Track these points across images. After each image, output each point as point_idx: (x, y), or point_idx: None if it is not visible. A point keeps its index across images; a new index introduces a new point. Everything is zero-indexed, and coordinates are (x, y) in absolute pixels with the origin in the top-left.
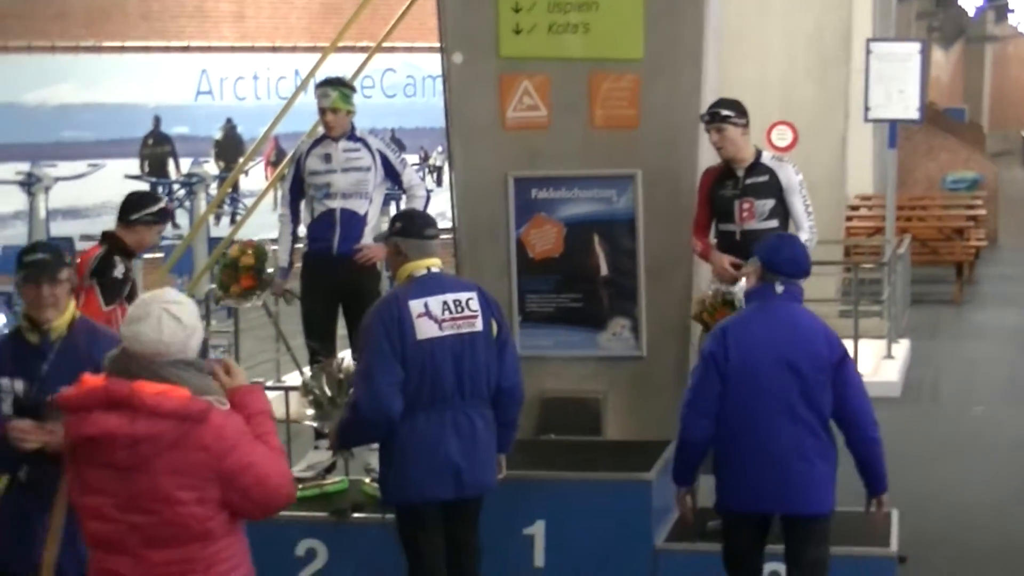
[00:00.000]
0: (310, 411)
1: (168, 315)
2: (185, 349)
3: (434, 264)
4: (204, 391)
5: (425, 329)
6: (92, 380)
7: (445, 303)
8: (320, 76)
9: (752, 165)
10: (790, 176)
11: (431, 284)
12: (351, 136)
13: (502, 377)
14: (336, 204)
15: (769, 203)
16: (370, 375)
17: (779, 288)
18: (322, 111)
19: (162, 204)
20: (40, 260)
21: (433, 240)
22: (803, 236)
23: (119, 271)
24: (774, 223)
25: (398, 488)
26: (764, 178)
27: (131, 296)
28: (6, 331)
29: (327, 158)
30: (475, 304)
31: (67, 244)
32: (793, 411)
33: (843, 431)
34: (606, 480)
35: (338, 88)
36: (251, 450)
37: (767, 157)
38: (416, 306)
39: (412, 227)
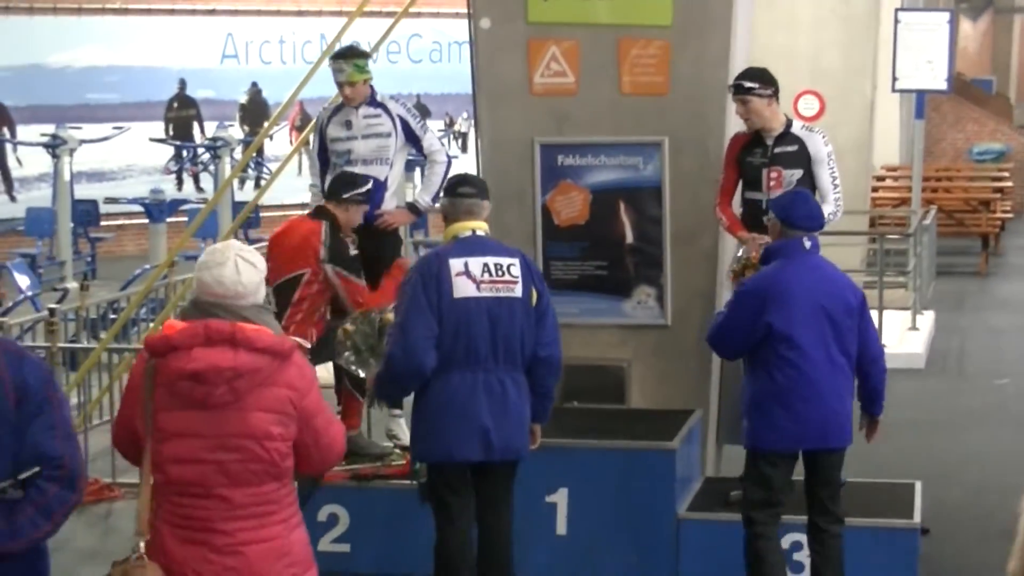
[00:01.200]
0: (351, 356)
1: (243, 260)
2: (258, 292)
3: (480, 227)
4: (280, 332)
5: (463, 288)
6: (179, 323)
7: (485, 265)
8: (345, 41)
9: (782, 134)
10: (819, 146)
11: (474, 245)
12: (371, 102)
13: (539, 346)
14: (357, 170)
15: (797, 173)
16: (405, 328)
17: (807, 243)
18: (339, 84)
19: (369, 185)
20: None
21: (477, 201)
22: (827, 208)
23: (352, 249)
24: None
25: (428, 445)
26: (793, 148)
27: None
28: (31, 294)
29: (348, 124)
30: (516, 270)
31: (92, 207)
32: (829, 354)
33: (863, 366)
34: (629, 448)
35: (351, 60)
36: (321, 398)
37: (797, 127)
38: (456, 264)
39: (455, 185)
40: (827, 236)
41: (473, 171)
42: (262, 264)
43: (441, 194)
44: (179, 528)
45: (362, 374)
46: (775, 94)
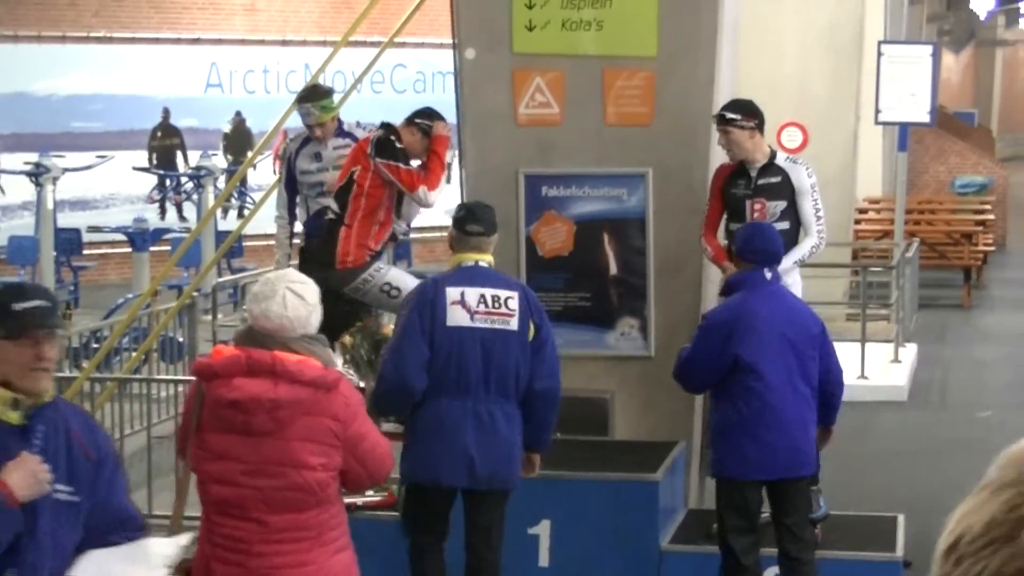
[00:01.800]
0: (349, 368)
1: (292, 293)
2: (307, 325)
3: (484, 259)
4: (330, 363)
5: (456, 316)
6: (228, 349)
7: (482, 296)
8: (331, 71)
9: (766, 166)
10: (803, 178)
11: (474, 275)
12: (339, 132)
13: (536, 378)
14: (330, 201)
15: (781, 204)
16: (398, 350)
17: (768, 274)
18: (308, 127)
19: (444, 123)
20: (40, 308)
21: (484, 239)
22: (810, 241)
23: (394, 143)
24: (785, 225)
25: (414, 467)
26: (777, 179)
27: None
28: None
29: (317, 157)
30: (514, 304)
31: (75, 235)
32: (793, 384)
33: (826, 388)
34: (612, 480)
35: (317, 102)
36: (366, 420)
37: (781, 158)
38: (453, 293)
39: (462, 220)
40: (809, 268)
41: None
42: (312, 297)
43: (449, 226)
44: (219, 548)
45: (362, 384)
46: (758, 126)
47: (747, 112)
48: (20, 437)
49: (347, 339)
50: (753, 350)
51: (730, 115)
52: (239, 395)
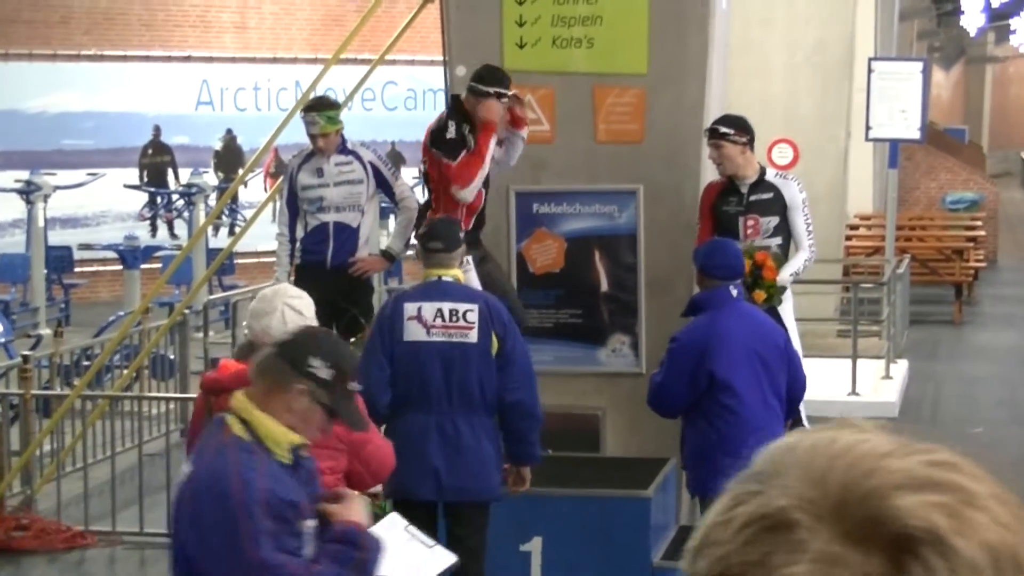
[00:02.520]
0: None
1: (290, 309)
2: None
3: (448, 274)
4: None
5: (413, 332)
6: (233, 364)
7: (439, 310)
8: (321, 88)
9: (756, 182)
10: (794, 193)
11: (433, 291)
12: (342, 150)
13: (506, 391)
14: (329, 217)
15: (774, 220)
16: (361, 368)
17: (734, 291)
18: (312, 136)
19: (494, 102)
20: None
21: (446, 255)
22: (803, 256)
23: (451, 131)
24: (778, 240)
25: (389, 481)
26: (769, 195)
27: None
28: (4, 340)
29: (319, 172)
30: (473, 316)
31: (66, 253)
32: (765, 398)
33: (792, 395)
34: (604, 497)
35: (323, 112)
36: (370, 424)
37: (771, 174)
38: (410, 308)
39: (423, 238)
40: (800, 285)
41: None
42: (309, 311)
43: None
44: None
45: None
46: (750, 142)
47: (740, 127)
48: (291, 473)
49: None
50: (727, 368)
51: (723, 129)
52: None
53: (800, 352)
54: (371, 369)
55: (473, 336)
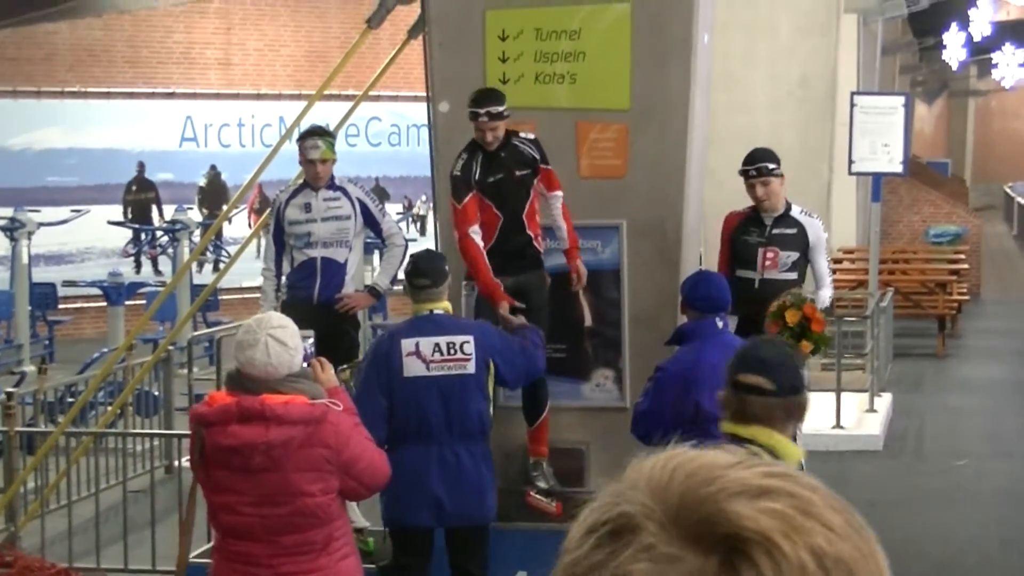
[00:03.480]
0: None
1: (274, 340)
2: (291, 366)
3: (438, 307)
4: (316, 396)
5: (412, 367)
6: (220, 396)
7: (437, 345)
8: (305, 124)
9: (781, 216)
10: (819, 233)
11: (427, 325)
12: (330, 185)
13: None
14: (316, 253)
15: (793, 255)
16: (356, 403)
17: (719, 323)
18: (311, 162)
19: (504, 109)
20: None
21: (433, 291)
22: (827, 293)
23: (456, 168)
24: (794, 275)
25: (387, 510)
26: (793, 231)
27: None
28: None
29: (307, 207)
30: (469, 348)
31: (50, 290)
32: None
33: None
34: None
35: (324, 138)
36: (359, 440)
37: (796, 211)
38: (407, 344)
39: (409, 274)
40: None
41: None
42: (293, 340)
43: (400, 275)
44: (231, 562)
45: None
46: (783, 175)
47: (777, 160)
48: None
49: (344, 375)
50: (713, 399)
51: (770, 165)
52: (234, 442)
53: None
54: (368, 405)
55: (471, 367)
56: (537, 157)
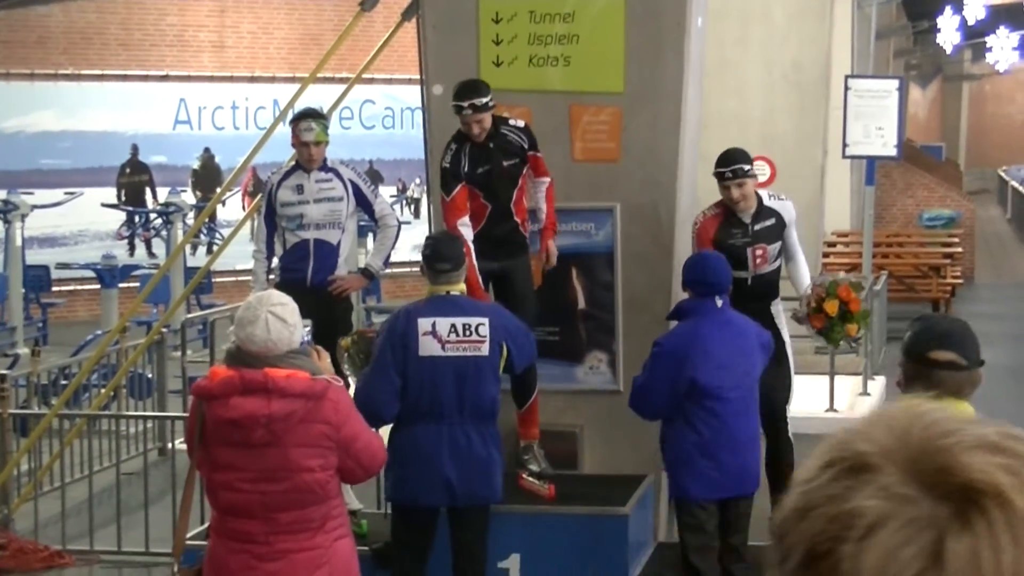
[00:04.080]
0: (349, 368)
1: (274, 317)
2: (291, 343)
3: (455, 289)
4: (316, 372)
5: (428, 347)
6: (223, 371)
7: (453, 325)
8: (299, 107)
9: (758, 211)
10: (791, 213)
11: (445, 306)
12: (323, 167)
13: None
14: (309, 235)
15: (777, 245)
16: (369, 380)
17: (719, 301)
18: (305, 144)
19: (489, 100)
20: None
21: (453, 274)
22: (803, 260)
23: (446, 159)
24: (777, 264)
25: (395, 488)
26: (771, 221)
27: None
28: None
29: (299, 189)
30: (485, 330)
31: (44, 272)
32: (748, 405)
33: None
34: (582, 514)
35: (318, 120)
36: (358, 420)
37: (767, 198)
38: (424, 324)
39: (430, 258)
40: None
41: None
42: (293, 317)
43: (420, 260)
44: (228, 540)
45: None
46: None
47: (750, 160)
48: None
49: (345, 342)
50: (709, 373)
51: (746, 167)
52: (236, 414)
53: (793, 362)
54: (379, 384)
55: (485, 349)
56: (525, 146)
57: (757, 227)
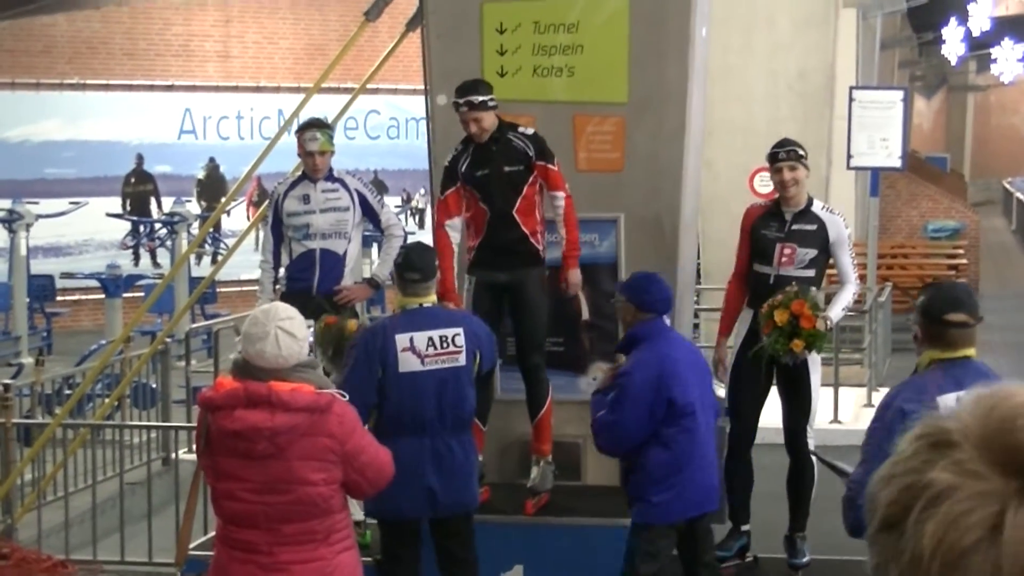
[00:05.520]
0: (320, 354)
1: (283, 332)
2: (300, 356)
3: (427, 301)
4: (323, 385)
5: (408, 363)
6: (228, 382)
7: (430, 339)
8: (303, 117)
9: (802, 211)
10: (840, 229)
11: (419, 319)
12: (329, 176)
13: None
14: (315, 244)
15: (811, 252)
16: (348, 377)
17: (667, 320)
18: (310, 154)
19: (489, 98)
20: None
21: (423, 284)
22: (851, 289)
23: (448, 158)
24: (811, 272)
25: (377, 502)
26: (812, 227)
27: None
28: None
29: (306, 199)
30: (460, 340)
31: (48, 282)
32: (710, 423)
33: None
34: (584, 525)
35: (323, 130)
36: (363, 434)
37: (818, 207)
38: (402, 340)
39: (400, 267)
40: None
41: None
42: (301, 330)
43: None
44: (233, 549)
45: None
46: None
47: (805, 152)
48: None
49: (318, 326)
50: (683, 391)
51: (800, 151)
52: (240, 426)
53: (817, 382)
54: (353, 397)
55: (462, 359)
56: (531, 153)
57: (795, 227)
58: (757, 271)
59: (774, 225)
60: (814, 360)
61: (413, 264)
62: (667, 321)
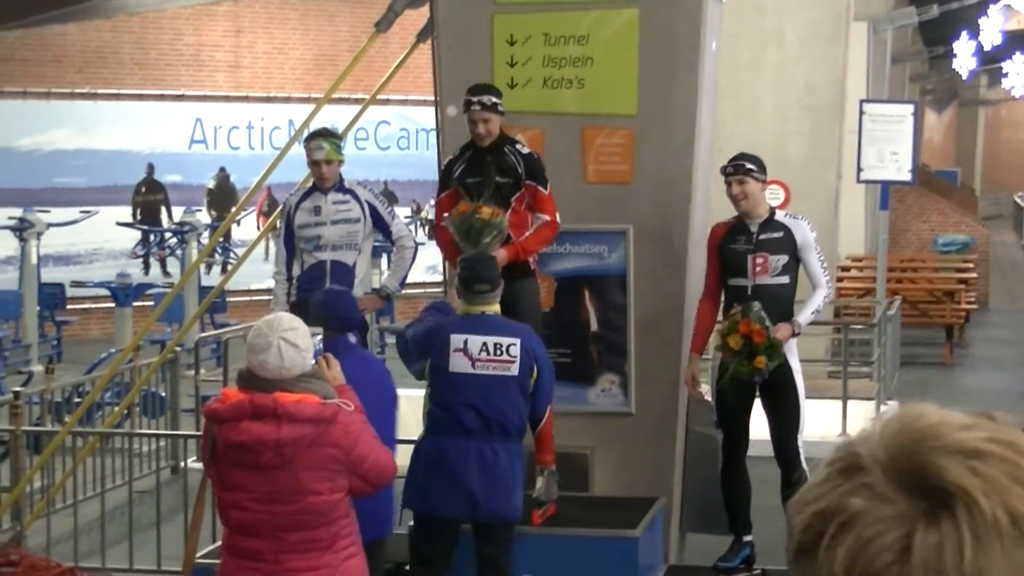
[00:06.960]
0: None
1: (286, 343)
2: (304, 367)
3: (490, 309)
4: (327, 395)
5: (458, 363)
6: (234, 393)
7: (484, 344)
8: (313, 127)
9: (766, 221)
10: (806, 233)
11: (478, 324)
12: (339, 187)
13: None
14: (326, 256)
15: (783, 259)
16: (409, 341)
17: (352, 338)
18: (316, 163)
19: (497, 100)
20: None
21: (490, 294)
22: (821, 293)
23: (446, 162)
24: (785, 279)
25: (415, 494)
26: (779, 234)
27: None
28: None
29: (316, 211)
30: (515, 350)
31: (58, 290)
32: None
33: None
34: (592, 536)
35: (329, 139)
36: (368, 440)
37: (780, 215)
38: (456, 340)
39: (468, 280)
40: None
41: (439, 258)
42: (305, 341)
43: (456, 284)
44: (238, 558)
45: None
46: (766, 181)
47: (761, 166)
48: None
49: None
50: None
51: (748, 165)
52: (245, 438)
53: (803, 391)
54: (409, 360)
55: (514, 369)
56: (520, 170)
57: (762, 236)
58: (733, 285)
59: (741, 239)
60: (794, 367)
61: (481, 276)
62: (352, 339)
